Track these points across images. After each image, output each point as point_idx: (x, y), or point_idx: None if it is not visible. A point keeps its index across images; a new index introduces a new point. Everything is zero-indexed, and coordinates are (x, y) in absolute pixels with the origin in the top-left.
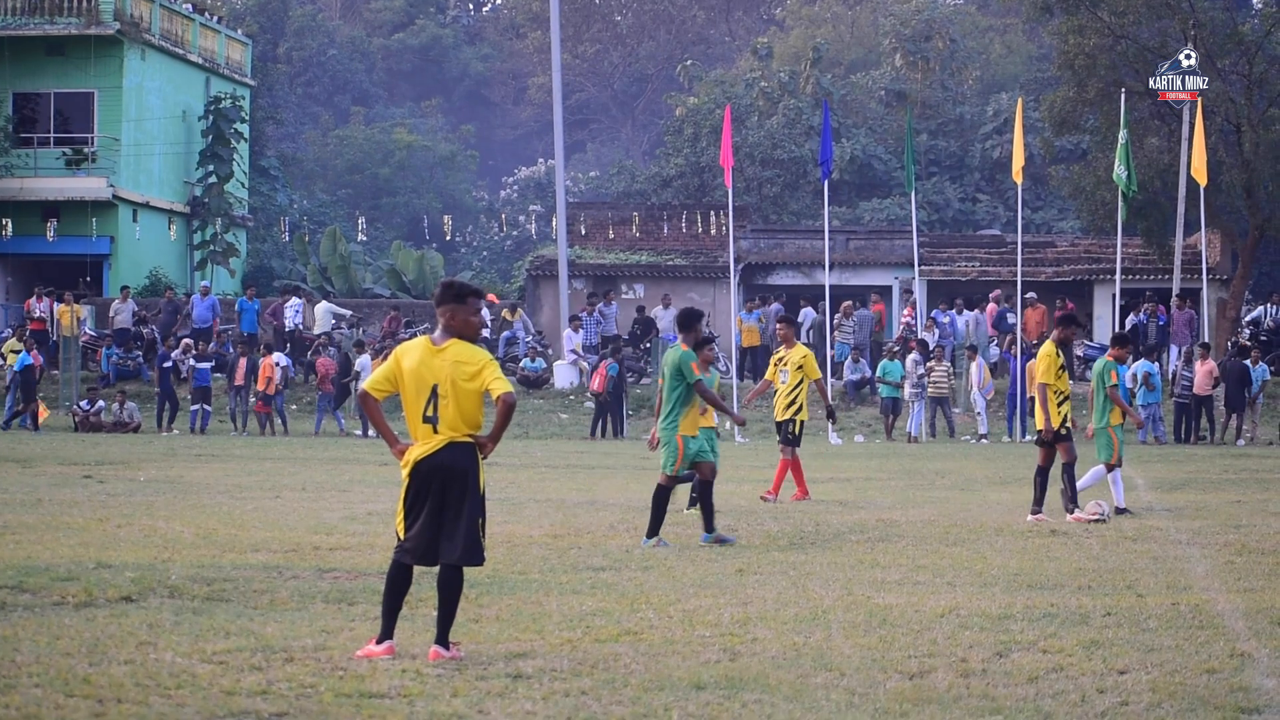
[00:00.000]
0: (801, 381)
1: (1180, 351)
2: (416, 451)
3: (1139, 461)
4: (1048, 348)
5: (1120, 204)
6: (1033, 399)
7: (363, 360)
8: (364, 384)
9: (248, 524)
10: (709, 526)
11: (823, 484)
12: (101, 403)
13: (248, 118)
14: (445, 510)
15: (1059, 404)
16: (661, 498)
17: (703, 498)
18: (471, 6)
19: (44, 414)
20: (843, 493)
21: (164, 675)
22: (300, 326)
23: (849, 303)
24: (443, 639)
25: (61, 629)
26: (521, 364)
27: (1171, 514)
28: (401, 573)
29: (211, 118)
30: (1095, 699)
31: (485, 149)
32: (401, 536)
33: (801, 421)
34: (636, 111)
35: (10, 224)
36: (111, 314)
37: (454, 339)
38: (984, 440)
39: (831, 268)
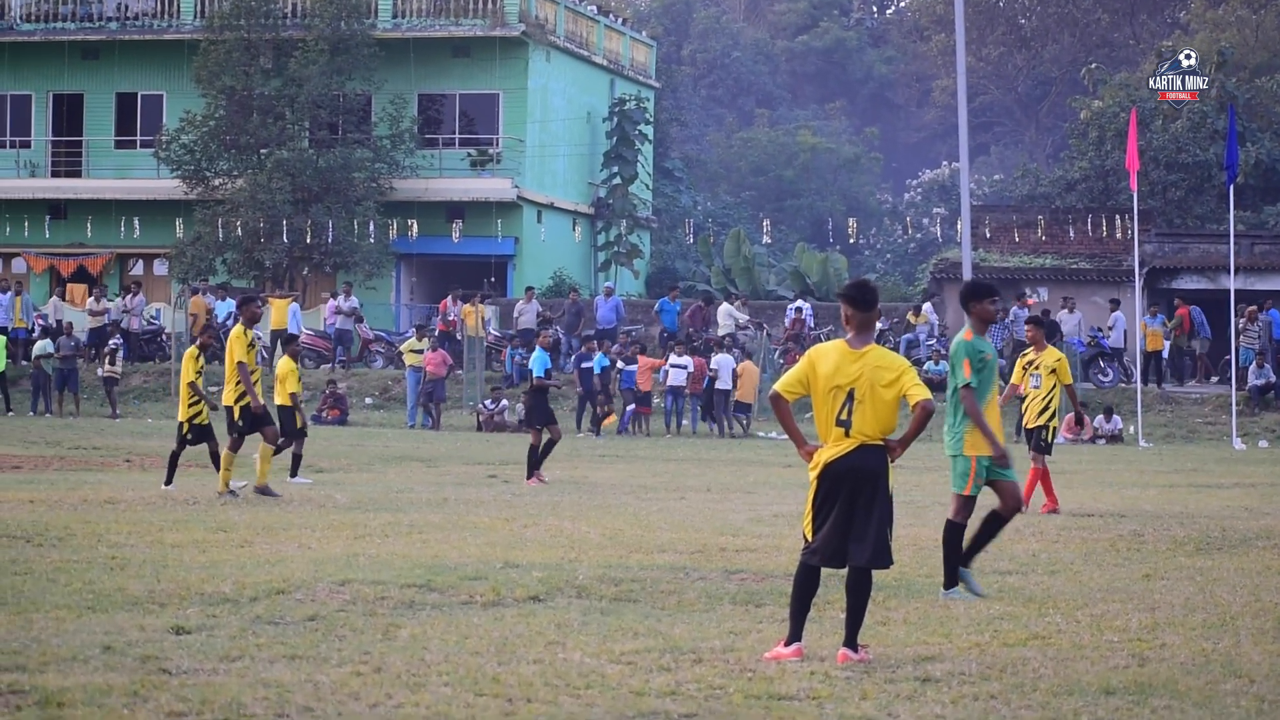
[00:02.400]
0: (1055, 386)
1: None
2: (827, 454)
3: None
4: None
5: None
6: None
7: (719, 359)
8: (776, 385)
9: (653, 525)
10: (956, 575)
11: (1227, 490)
12: (505, 402)
13: (652, 119)
14: (855, 513)
15: None
16: (952, 536)
17: (983, 531)
18: (875, 9)
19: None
20: (1248, 498)
21: (573, 675)
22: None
23: (1253, 308)
24: (851, 641)
25: (470, 628)
26: (924, 367)
27: None
28: (809, 575)
29: (616, 119)
30: None
31: (889, 151)
32: (809, 538)
33: (1055, 429)
34: (1040, 114)
35: (416, 225)
36: (515, 314)
37: (874, 344)
38: None
39: (1236, 272)
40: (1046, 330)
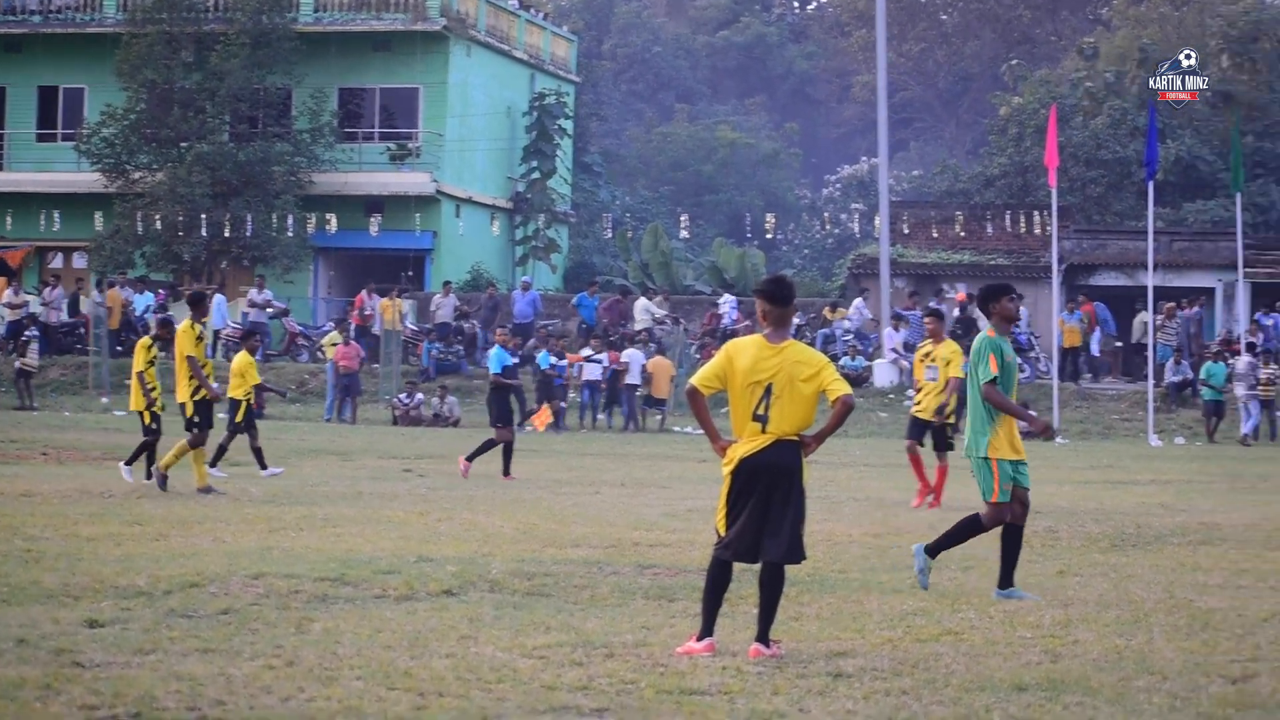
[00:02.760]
0: (949, 380)
1: None
2: (742, 449)
3: None
4: None
5: None
6: None
7: (629, 354)
8: (693, 379)
9: (567, 519)
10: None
11: (1143, 486)
12: (420, 396)
13: (572, 114)
14: (769, 508)
15: None
16: (1011, 538)
17: (958, 531)
18: (796, 4)
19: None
20: (1163, 495)
21: (485, 669)
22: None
23: (1171, 304)
24: (764, 636)
25: (383, 622)
26: (840, 362)
27: None
28: (722, 570)
29: (536, 114)
30: None
31: (808, 147)
32: (722, 533)
33: (955, 425)
34: (960, 110)
35: (335, 218)
36: (433, 308)
37: (792, 339)
38: None
39: (1154, 269)
40: (964, 326)
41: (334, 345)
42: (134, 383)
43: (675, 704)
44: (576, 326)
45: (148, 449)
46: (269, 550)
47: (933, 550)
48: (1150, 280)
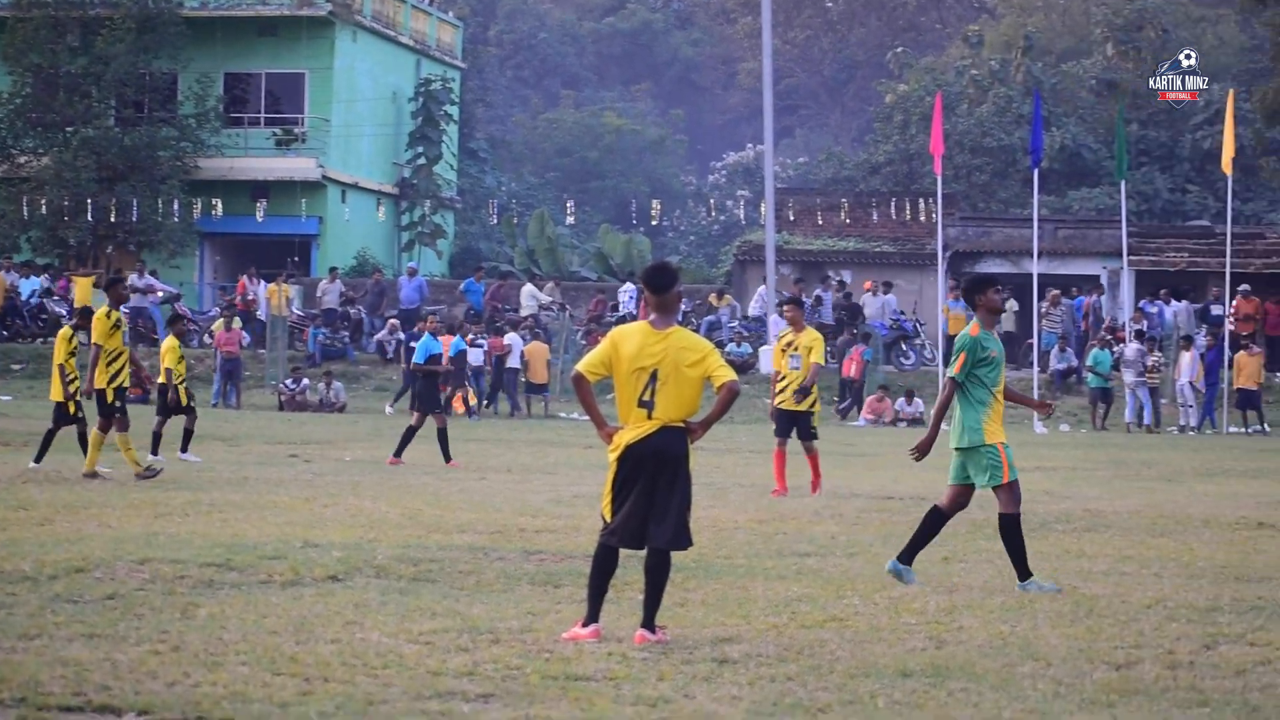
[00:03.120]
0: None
1: None
2: (628, 435)
3: None
4: None
5: None
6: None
7: (509, 339)
8: (578, 365)
9: (453, 505)
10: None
11: (1028, 473)
12: (306, 381)
13: (457, 100)
14: (655, 495)
15: None
16: (1011, 530)
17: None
18: None
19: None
20: (1048, 482)
21: (370, 655)
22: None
23: (1056, 292)
24: (649, 623)
25: (268, 607)
26: (726, 349)
27: None
28: (608, 556)
29: (421, 100)
30: None
31: (694, 134)
32: (608, 519)
33: (817, 413)
34: (846, 98)
35: (220, 203)
36: (319, 294)
37: (677, 325)
38: (1191, 432)
39: (1039, 256)
40: (849, 313)
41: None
42: (55, 374)
43: (561, 690)
44: (464, 312)
45: (81, 437)
46: (155, 535)
47: (905, 558)
48: (1035, 268)
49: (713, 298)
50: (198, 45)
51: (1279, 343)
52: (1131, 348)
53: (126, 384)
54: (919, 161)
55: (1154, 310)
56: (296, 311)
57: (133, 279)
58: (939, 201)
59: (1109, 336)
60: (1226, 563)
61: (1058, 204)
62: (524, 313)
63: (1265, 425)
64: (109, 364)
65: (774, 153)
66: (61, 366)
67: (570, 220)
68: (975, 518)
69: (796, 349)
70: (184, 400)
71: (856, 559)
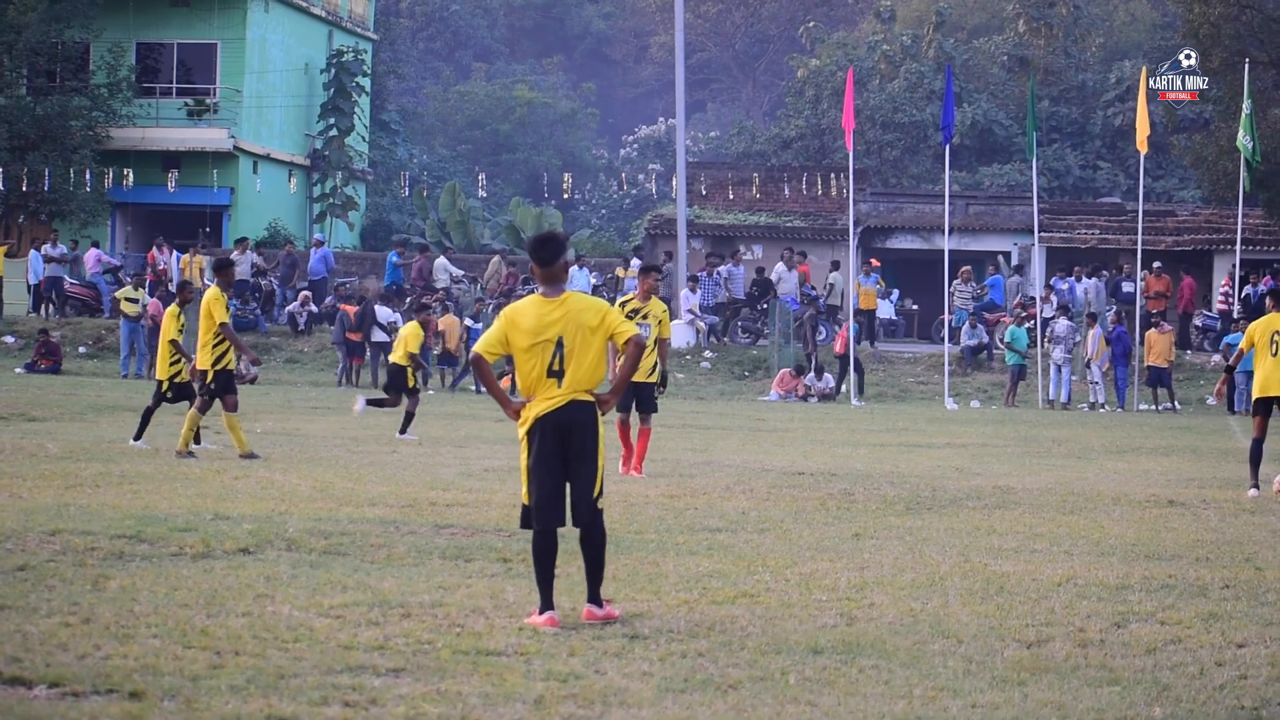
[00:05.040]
0: (658, 340)
1: None
2: (536, 409)
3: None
4: None
5: (1244, 174)
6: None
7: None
8: (476, 346)
9: (364, 478)
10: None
11: (939, 449)
12: None
13: (369, 72)
14: (568, 468)
15: None
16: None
17: None
18: None
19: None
20: (959, 459)
21: (281, 628)
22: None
23: (967, 268)
24: (595, 597)
25: (179, 580)
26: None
27: None
28: (543, 541)
29: (333, 71)
30: (1214, 672)
31: (606, 107)
32: (527, 502)
33: (658, 384)
34: (758, 72)
35: (131, 173)
36: None
37: (568, 291)
38: (1101, 409)
39: (950, 232)
40: (761, 288)
41: (130, 301)
42: (163, 351)
43: (472, 664)
44: (386, 286)
45: (147, 412)
46: (66, 507)
47: None
48: (946, 244)
49: (620, 270)
50: (110, 15)
51: (1190, 320)
52: (1061, 324)
53: (231, 365)
54: (830, 136)
55: (1065, 287)
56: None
57: (46, 248)
58: (850, 177)
59: (1023, 313)
60: (1137, 540)
61: (969, 180)
62: (438, 285)
63: (1176, 403)
64: (214, 345)
65: (686, 127)
66: (173, 343)
67: (482, 193)
68: (886, 494)
69: (646, 317)
70: (411, 383)
71: (768, 534)
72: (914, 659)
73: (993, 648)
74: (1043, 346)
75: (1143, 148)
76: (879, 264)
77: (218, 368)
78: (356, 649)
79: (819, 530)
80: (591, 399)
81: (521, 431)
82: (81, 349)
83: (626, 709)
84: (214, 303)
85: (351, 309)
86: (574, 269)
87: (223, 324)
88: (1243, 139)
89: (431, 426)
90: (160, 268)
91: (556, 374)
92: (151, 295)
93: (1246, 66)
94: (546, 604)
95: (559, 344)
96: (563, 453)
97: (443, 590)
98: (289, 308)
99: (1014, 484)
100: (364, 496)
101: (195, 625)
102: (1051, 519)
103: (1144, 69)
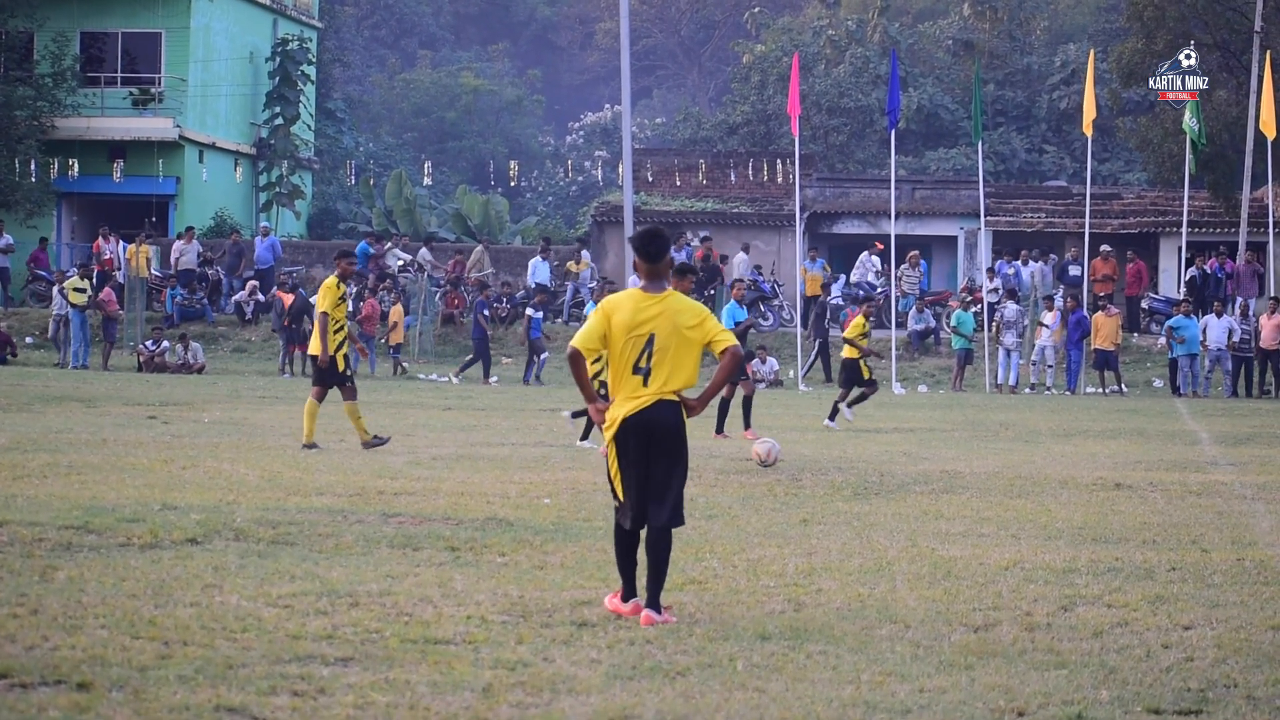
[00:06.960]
0: None
1: (1238, 305)
2: (622, 409)
3: (1203, 415)
4: None
5: (1189, 156)
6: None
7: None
8: (574, 341)
9: (312, 467)
10: None
11: (886, 435)
12: (166, 343)
13: (314, 60)
14: (652, 471)
15: None
16: None
17: None
18: None
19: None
20: (906, 443)
21: (229, 618)
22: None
23: (914, 252)
24: (654, 603)
25: (127, 570)
26: (585, 309)
27: (1236, 469)
28: (626, 538)
29: (278, 59)
30: (1160, 654)
31: (552, 94)
32: (621, 499)
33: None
34: (703, 58)
35: (76, 163)
36: (176, 255)
37: (671, 289)
38: (1048, 391)
39: (897, 217)
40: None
41: (76, 290)
42: (319, 324)
43: (420, 653)
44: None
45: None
46: (13, 498)
47: None
48: (893, 229)
49: (571, 265)
50: (54, 4)
51: (1136, 303)
52: (1011, 308)
53: (347, 353)
54: (776, 122)
55: (1011, 271)
56: (154, 272)
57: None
58: (796, 162)
59: (969, 298)
60: (1084, 524)
61: (915, 164)
62: (390, 272)
63: (1123, 386)
64: (334, 333)
65: (632, 113)
66: (325, 315)
67: (428, 181)
68: (833, 479)
69: None
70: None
71: (715, 521)
72: (862, 644)
73: (940, 632)
74: (990, 330)
75: (1088, 131)
76: (817, 254)
77: (337, 353)
78: (305, 638)
79: (766, 516)
80: (678, 400)
81: (608, 435)
82: (29, 339)
83: (575, 696)
84: (325, 290)
85: (288, 297)
86: (536, 259)
87: (322, 313)
88: (1189, 121)
89: (379, 415)
90: (106, 258)
91: (642, 371)
92: (102, 285)
93: (1192, 48)
94: (630, 592)
95: (650, 340)
96: (645, 456)
97: (390, 579)
98: (236, 297)
99: (961, 468)
100: (312, 486)
101: (143, 616)
102: (999, 503)
103: (1090, 52)
